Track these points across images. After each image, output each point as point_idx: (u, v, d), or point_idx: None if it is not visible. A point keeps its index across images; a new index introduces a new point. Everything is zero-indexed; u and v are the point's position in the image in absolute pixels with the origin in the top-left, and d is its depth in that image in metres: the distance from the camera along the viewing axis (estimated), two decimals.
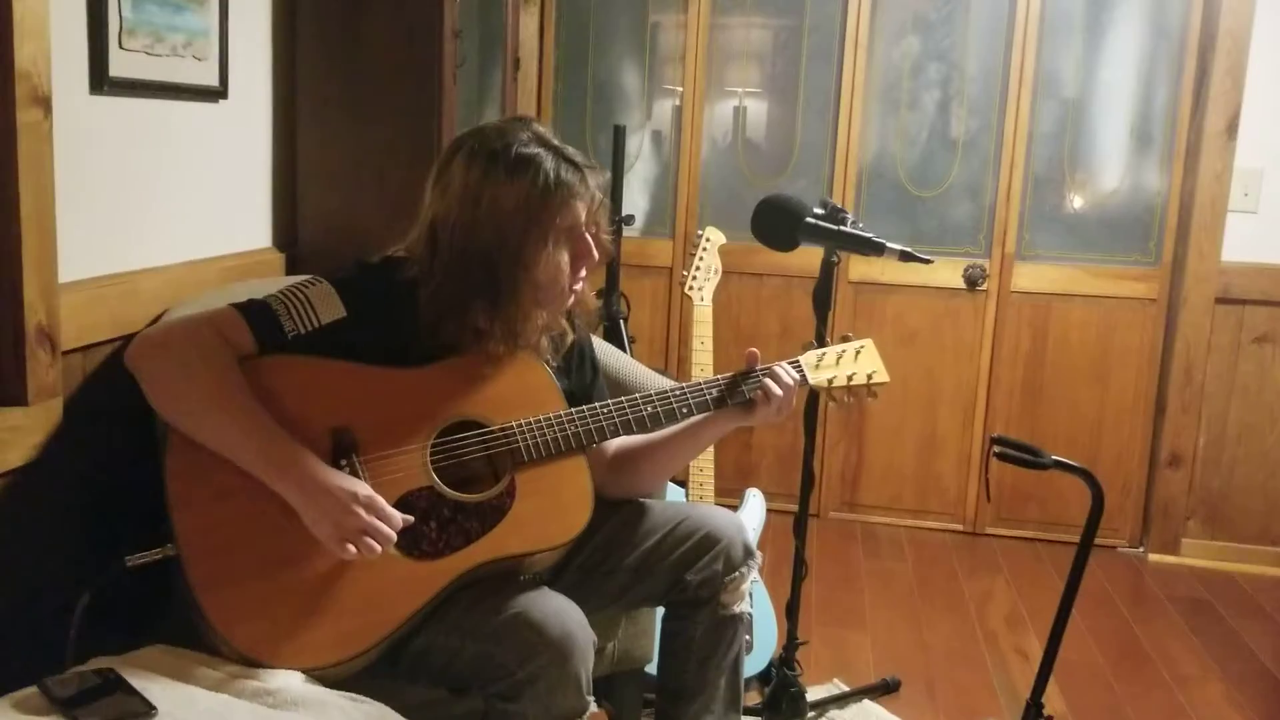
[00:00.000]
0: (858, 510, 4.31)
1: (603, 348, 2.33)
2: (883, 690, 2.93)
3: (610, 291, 3.50)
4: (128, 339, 1.84)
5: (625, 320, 3.54)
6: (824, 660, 3.08)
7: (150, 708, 1.49)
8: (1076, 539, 2.21)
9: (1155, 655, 3.26)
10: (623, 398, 1.96)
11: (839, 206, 2.30)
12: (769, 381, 2.00)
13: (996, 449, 2.16)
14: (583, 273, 1.93)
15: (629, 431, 1.96)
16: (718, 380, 2.02)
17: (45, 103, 1.81)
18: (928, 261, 2.24)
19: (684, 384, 2.03)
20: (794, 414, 2.13)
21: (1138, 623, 3.49)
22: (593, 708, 1.80)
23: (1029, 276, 4.10)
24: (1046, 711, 2.24)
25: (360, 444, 1.78)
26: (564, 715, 1.74)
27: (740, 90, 4.23)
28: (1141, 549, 4.13)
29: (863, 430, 4.26)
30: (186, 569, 1.67)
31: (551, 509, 1.87)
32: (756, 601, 2.80)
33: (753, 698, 2.72)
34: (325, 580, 1.72)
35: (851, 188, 4.14)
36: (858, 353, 2.11)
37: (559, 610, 1.76)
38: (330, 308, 1.80)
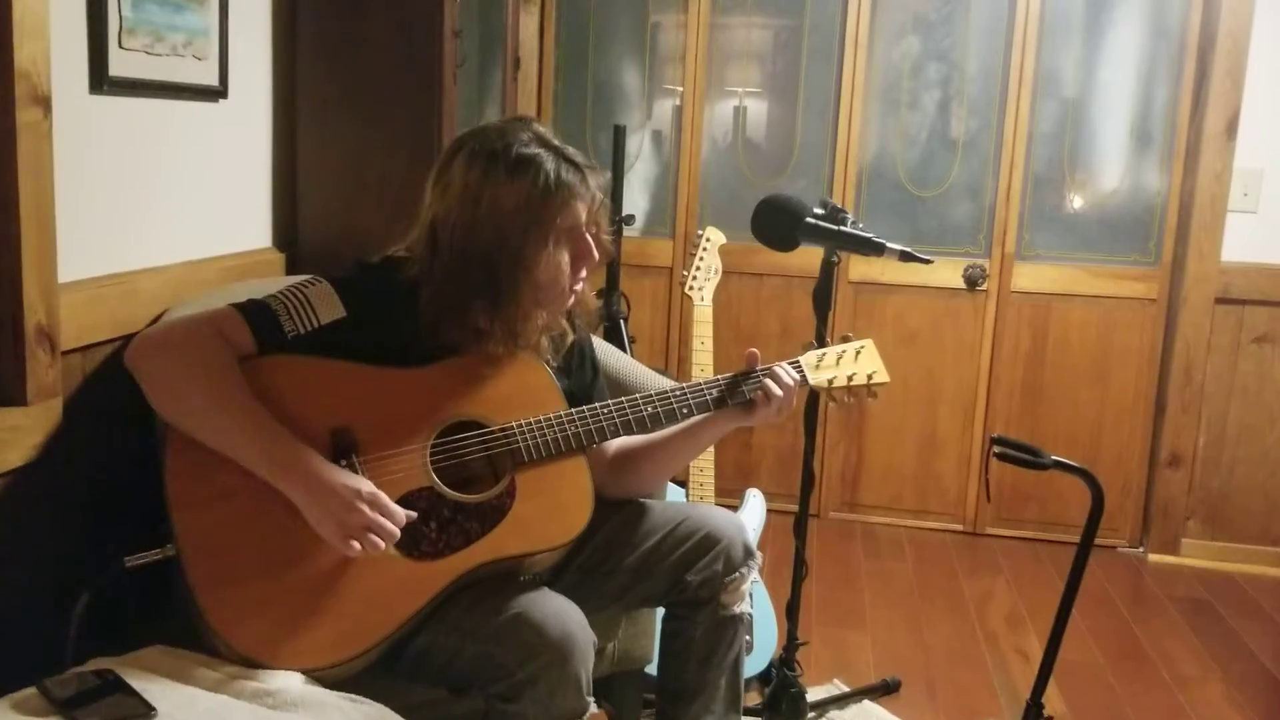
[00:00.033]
0: (858, 510, 4.31)
1: (603, 348, 2.32)
2: (883, 691, 2.93)
3: (610, 291, 3.50)
4: (127, 339, 1.84)
5: (625, 320, 3.54)
6: (824, 661, 3.08)
7: (149, 708, 1.49)
8: (1076, 539, 2.21)
9: (1155, 655, 3.26)
10: (623, 398, 1.96)
11: (839, 206, 2.29)
12: (769, 382, 2.00)
13: (996, 449, 2.16)
14: (583, 273, 1.92)
15: (629, 432, 1.96)
16: (718, 380, 2.02)
17: (45, 102, 1.81)
18: (928, 261, 2.24)
19: (684, 384, 2.03)
20: (794, 414, 2.13)
21: (1138, 623, 3.49)
22: (593, 708, 1.80)
23: (1029, 276, 4.10)
24: (1047, 712, 2.24)
25: (360, 444, 1.78)
26: (564, 716, 1.74)
27: (740, 90, 4.23)
28: (1141, 549, 4.13)
29: (863, 430, 4.26)
30: (186, 569, 1.67)
31: (552, 509, 1.87)
32: (756, 602, 2.80)
33: (753, 698, 2.71)
34: (325, 581, 1.71)
35: (851, 188, 4.14)
36: (858, 353, 2.11)
37: (559, 611, 1.76)
38: (330, 308, 1.80)
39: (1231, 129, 3.82)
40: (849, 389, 2.10)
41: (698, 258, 2.88)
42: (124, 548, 1.70)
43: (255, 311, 1.78)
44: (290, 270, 2.73)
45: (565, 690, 1.72)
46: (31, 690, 1.52)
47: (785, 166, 4.21)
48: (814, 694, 2.78)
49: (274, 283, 2.01)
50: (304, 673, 1.66)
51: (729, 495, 3.03)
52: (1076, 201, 4.09)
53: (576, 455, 1.91)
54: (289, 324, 1.77)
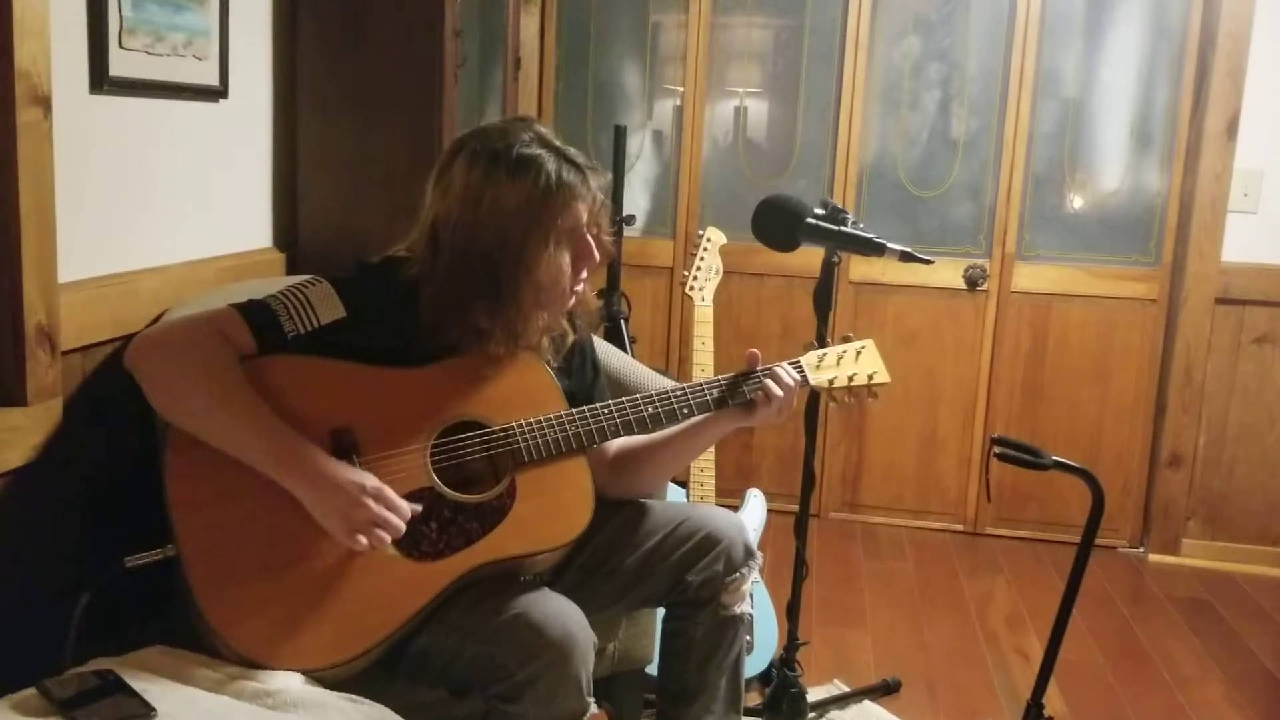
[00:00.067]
0: (858, 510, 4.31)
1: (603, 348, 2.32)
2: (883, 691, 2.93)
3: (611, 291, 3.50)
4: (127, 339, 1.84)
5: (626, 320, 3.54)
6: (824, 661, 3.08)
7: (149, 709, 1.49)
8: (1077, 539, 2.21)
9: (1155, 655, 3.26)
10: (623, 398, 1.96)
11: (839, 207, 2.29)
12: (770, 382, 2.00)
13: (997, 449, 2.16)
14: (584, 274, 1.92)
15: (630, 432, 1.96)
16: (718, 381, 2.02)
17: (45, 102, 1.81)
18: (928, 262, 2.24)
19: (685, 384, 2.02)
20: (794, 414, 2.13)
21: (1138, 623, 3.49)
22: (593, 709, 1.80)
23: (1029, 277, 4.10)
24: (1047, 712, 2.24)
25: (360, 444, 1.78)
26: (565, 716, 1.74)
27: (741, 90, 4.23)
28: (1142, 549, 4.13)
29: (863, 430, 4.26)
30: (186, 570, 1.67)
31: (552, 510, 1.87)
32: (757, 602, 2.80)
33: (753, 698, 2.71)
34: (325, 581, 1.71)
35: (852, 188, 4.14)
36: (858, 353, 2.11)
37: (559, 611, 1.75)
38: (330, 308, 1.80)
39: (1232, 129, 3.82)
40: (850, 389, 2.10)
41: (698, 258, 2.88)
42: (124, 548, 1.70)
43: (255, 312, 1.78)
44: (290, 270, 2.73)
45: (566, 691, 1.72)
46: (31, 690, 1.52)
47: (786, 167, 4.21)
48: (814, 694, 2.78)
49: (274, 283, 2.01)
50: (304, 673, 1.66)
51: (729, 495, 3.03)
52: (1077, 202, 4.09)
53: (577, 455, 1.91)
54: (289, 324, 1.77)
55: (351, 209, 2.71)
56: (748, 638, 2.23)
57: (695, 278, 2.86)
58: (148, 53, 2.15)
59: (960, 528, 4.25)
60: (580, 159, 1.87)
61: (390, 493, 1.73)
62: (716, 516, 2.07)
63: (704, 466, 2.81)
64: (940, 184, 4.12)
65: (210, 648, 1.67)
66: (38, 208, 1.81)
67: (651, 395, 1.97)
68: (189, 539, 1.68)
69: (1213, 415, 3.99)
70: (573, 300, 1.94)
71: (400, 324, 1.83)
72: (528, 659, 1.70)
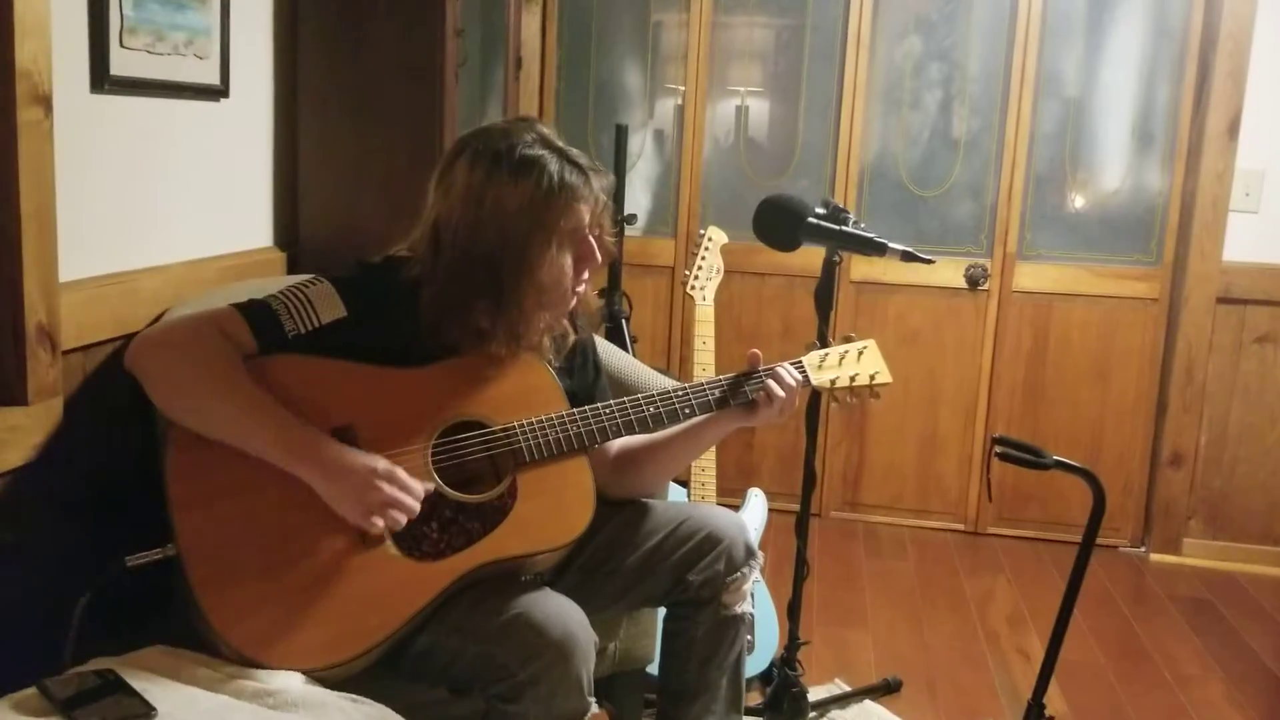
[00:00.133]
0: (859, 510, 4.31)
1: (605, 347, 2.32)
2: (884, 690, 2.93)
3: (612, 291, 3.50)
4: (128, 338, 1.84)
5: (627, 320, 3.54)
6: (825, 660, 3.08)
7: (150, 709, 1.49)
8: (1078, 539, 2.20)
9: (1157, 655, 3.26)
10: (625, 398, 1.96)
11: (841, 206, 2.29)
12: (771, 382, 2.00)
13: (998, 449, 2.16)
14: (585, 275, 1.92)
15: (631, 432, 1.96)
16: (720, 381, 2.01)
17: (46, 101, 1.81)
18: (929, 261, 2.24)
19: (686, 384, 2.02)
20: (796, 414, 2.13)
21: (1139, 622, 3.49)
22: (594, 708, 1.80)
23: (1030, 276, 4.10)
24: (1048, 712, 2.24)
25: (361, 444, 1.77)
26: (565, 716, 1.74)
27: (742, 90, 4.22)
28: (1143, 549, 4.13)
29: (864, 430, 4.26)
30: (187, 569, 1.67)
31: (553, 510, 1.87)
32: (758, 601, 2.79)
33: (754, 698, 2.71)
34: (326, 581, 1.71)
35: (853, 187, 4.14)
36: (860, 353, 2.11)
37: (560, 611, 1.75)
38: (330, 307, 1.80)
39: (1233, 129, 3.82)
40: (851, 389, 2.10)
41: (699, 257, 2.88)
42: (124, 547, 1.70)
43: (255, 311, 1.78)
44: (291, 270, 2.73)
45: (566, 690, 1.72)
46: (32, 690, 1.52)
47: (787, 166, 4.20)
48: (815, 693, 2.78)
49: (275, 282, 2.01)
50: (304, 673, 1.66)
51: (731, 495, 3.02)
52: (1078, 201, 4.09)
53: (578, 455, 1.91)
54: (289, 323, 1.77)
55: (352, 208, 2.71)
56: (749, 637, 2.23)
57: (696, 277, 2.86)
58: (149, 52, 2.15)
59: (961, 527, 4.25)
60: (583, 160, 1.87)
61: (402, 473, 1.73)
62: (717, 516, 2.07)
63: (705, 466, 2.81)
64: (941, 183, 4.11)
65: (211, 647, 1.66)
66: (38, 207, 1.81)
67: (653, 395, 1.97)
68: (189, 539, 1.68)
69: (1214, 415, 3.99)
70: (574, 301, 1.94)
71: (401, 324, 1.83)
72: (529, 659, 1.70)
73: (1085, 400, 4.12)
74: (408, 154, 2.65)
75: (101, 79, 2.02)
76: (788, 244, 2.29)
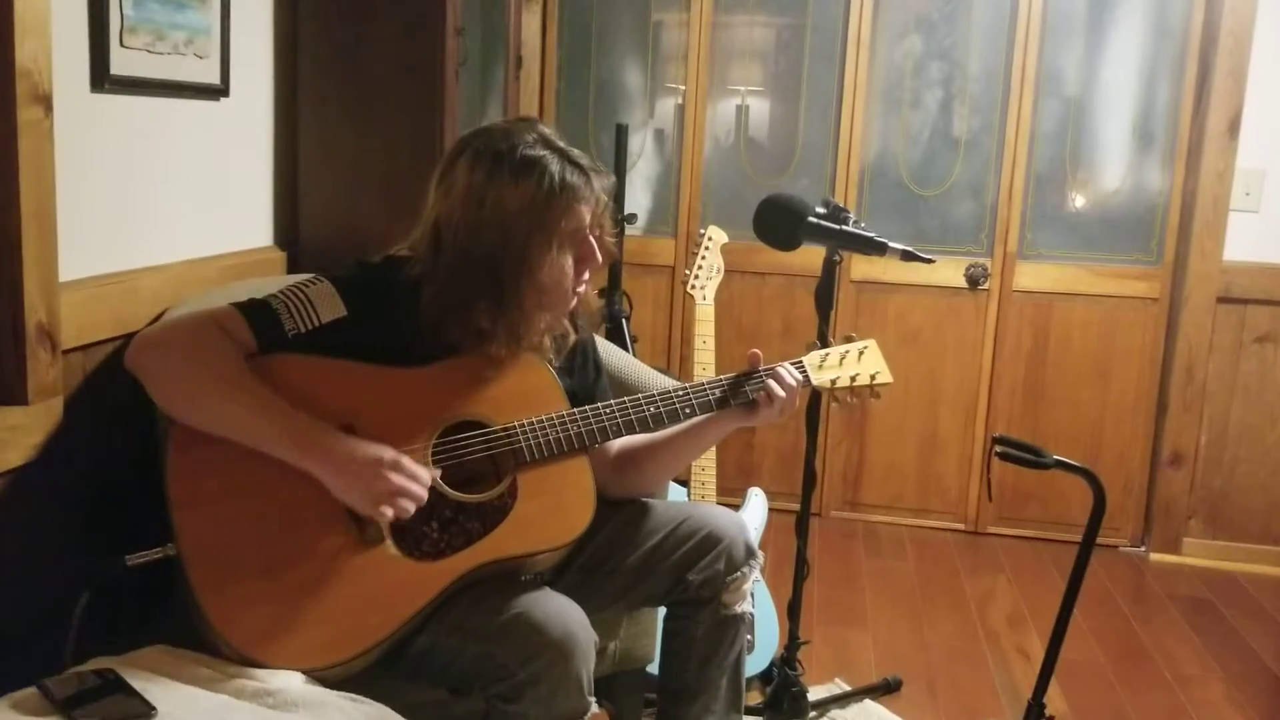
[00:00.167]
0: (859, 509, 4.31)
1: (605, 347, 2.32)
2: (884, 690, 2.93)
3: (612, 290, 3.50)
4: (128, 338, 1.84)
5: (627, 319, 3.54)
6: (825, 660, 3.08)
7: (150, 708, 1.49)
8: (1078, 538, 2.20)
9: (1157, 655, 3.26)
10: (625, 398, 1.96)
11: (841, 206, 2.29)
12: (772, 382, 2.00)
13: (998, 448, 2.16)
14: (586, 275, 1.92)
15: (631, 431, 1.96)
16: (720, 380, 2.01)
17: (46, 101, 1.81)
18: (929, 261, 2.24)
19: (687, 384, 2.02)
20: (796, 413, 2.13)
21: (1139, 622, 3.49)
22: (594, 708, 1.80)
23: (1031, 276, 4.10)
24: (1048, 711, 2.24)
25: None
26: (565, 715, 1.74)
27: (743, 89, 4.22)
28: (1143, 548, 4.13)
29: (864, 429, 4.26)
30: (187, 569, 1.67)
31: (553, 509, 1.87)
32: (758, 601, 2.79)
33: (754, 697, 2.71)
34: (326, 581, 1.71)
35: (854, 187, 4.14)
36: (861, 353, 2.11)
37: (560, 610, 1.75)
38: (330, 306, 1.80)
39: (1234, 128, 3.82)
40: (852, 389, 2.10)
41: (700, 256, 2.87)
42: (124, 546, 1.69)
43: (255, 310, 1.78)
44: (291, 269, 2.73)
45: (566, 690, 1.72)
46: (31, 690, 1.51)
47: (787, 165, 4.20)
48: (815, 693, 2.78)
49: (275, 282, 2.01)
50: (304, 672, 1.66)
51: (731, 494, 3.02)
52: (1078, 201, 4.09)
53: (579, 455, 1.91)
54: (289, 323, 1.77)
55: (352, 208, 2.71)
56: (749, 637, 2.23)
57: (696, 276, 2.86)
58: (149, 51, 2.15)
59: (961, 527, 4.25)
60: (584, 160, 1.87)
61: (408, 461, 1.73)
62: (718, 515, 2.07)
63: (705, 465, 2.81)
64: (942, 183, 4.11)
65: (211, 647, 1.66)
66: (38, 206, 1.81)
67: (653, 395, 1.97)
68: (189, 538, 1.68)
69: (1214, 414, 3.99)
70: (574, 301, 1.93)
71: (401, 323, 1.83)
72: (529, 658, 1.70)
73: (1085, 400, 4.12)
74: (408, 153, 2.65)
75: (101, 78, 2.02)
76: (788, 243, 2.29)
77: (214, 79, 2.40)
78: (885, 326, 4.14)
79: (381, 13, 2.63)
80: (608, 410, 1.93)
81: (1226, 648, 3.33)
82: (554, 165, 1.81)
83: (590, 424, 1.91)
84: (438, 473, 1.78)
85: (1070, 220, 4.09)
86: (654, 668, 2.21)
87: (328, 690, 1.64)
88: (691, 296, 2.86)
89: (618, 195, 3.26)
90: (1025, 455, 2.14)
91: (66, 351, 1.92)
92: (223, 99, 2.45)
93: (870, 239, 2.22)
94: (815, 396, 2.31)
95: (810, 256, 2.47)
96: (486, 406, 1.87)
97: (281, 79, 2.70)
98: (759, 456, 4.29)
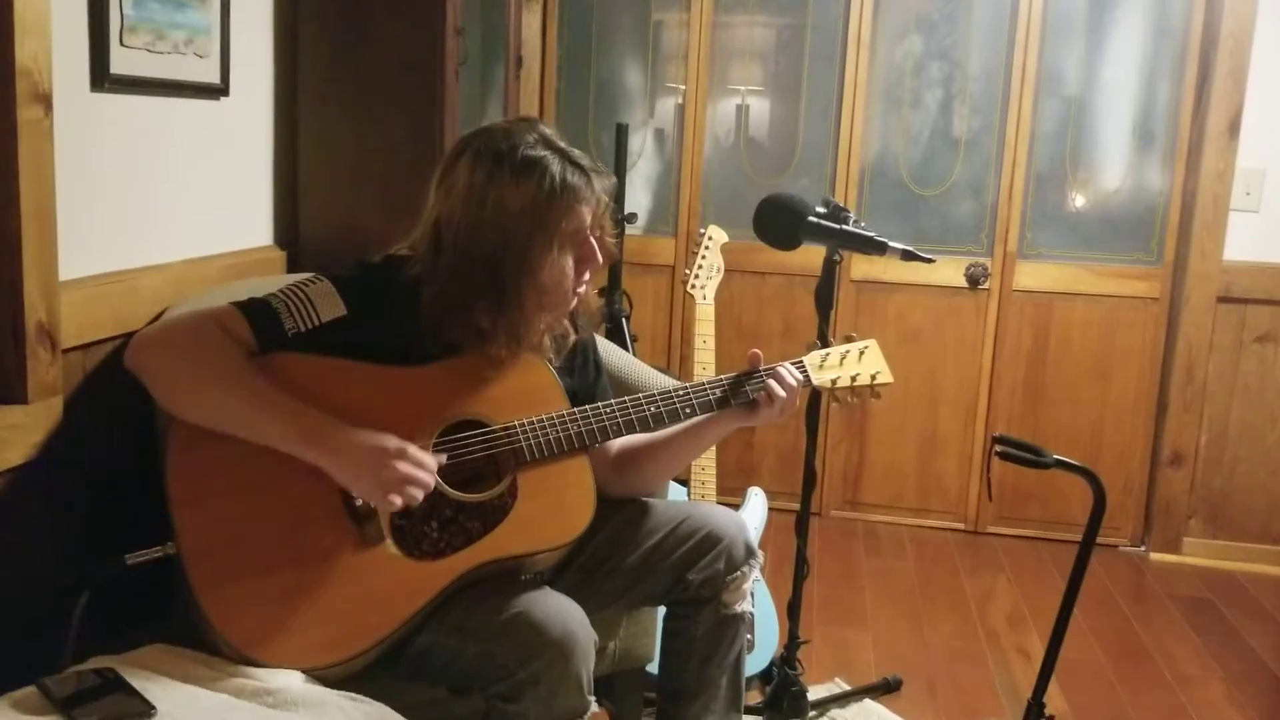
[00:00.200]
0: (859, 509, 4.31)
1: (605, 347, 2.32)
2: (884, 689, 2.93)
3: (612, 290, 3.50)
4: (128, 337, 1.84)
5: (627, 319, 3.54)
6: (825, 659, 3.08)
7: (149, 707, 1.49)
8: (1078, 538, 2.20)
9: (1157, 654, 3.25)
10: (625, 397, 1.96)
11: (841, 205, 2.30)
12: (772, 383, 2.00)
13: (998, 448, 2.16)
14: (586, 276, 1.92)
15: (632, 431, 1.96)
16: (721, 380, 2.01)
17: (46, 100, 1.80)
18: (929, 260, 2.24)
19: (687, 384, 2.02)
20: (796, 413, 2.13)
21: (1139, 622, 3.49)
22: (594, 707, 1.80)
23: (1031, 275, 4.09)
24: (1048, 711, 2.24)
25: None
26: (565, 715, 1.74)
27: (743, 89, 4.22)
28: (1143, 548, 4.13)
29: (864, 429, 4.26)
30: (187, 568, 1.67)
31: (554, 509, 1.87)
32: (758, 600, 2.79)
33: (754, 697, 2.71)
34: (326, 580, 1.71)
35: (854, 186, 4.14)
36: (861, 353, 2.11)
37: (560, 610, 1.75)
38: (330, 306, 1.80)
39: (1234, 128, 3.81)
40: (853, 389, 2.10)
41: (700, 256, 2.87)
42: (124, 545, 1.70)
43: (255, 309, 1.77)
44: (291, 268, 2.73)
45: (566, 689, 1.72)
46: (31, 689, 1.52)
47: (788, 165, 4.20)
48: (815, 692, 2.78)
49: (275, 281, 2.01)
50: (304, 671, 1.66)
51: (731, 494, 3.02)
52: (1079, 200, 4.09)
53: (579, 455, 1.91)
54: (289, 322, 1.77)
55: (352, 207, 2.71)
56: (748, 636, 2.23)
57: (697, 276, 2.86)
58: (149, 50, 2.15)
59: (961, 526, 4.25)
60: (585, 161, 1.86)
61: (414, 449, 1.73)
62: (717, 515, 2.07)
63: (705, 465, 2.81)
64: (942, 182, 4.11)
65: (210, 646, 1.67)
66: (38, 206, 1.81)
67: (654, 394, 1.97)
68: (189, 537, 1.68)
69: (1214, 414, 3.99)
70: (575, 301, 1.93)
71: (401, 323, 1.83)
72: (529, 658, 1.70)
73: (1085, 399, 4.12)
74: (408, 153, 2.65)
75: (101, 78, 2.02)
76: (788, 243, 2.29)
77: (214, 78, 2.40)
78: (885, 326, 4.14)
79: (381, 12, 2.63)
80: (608, 410, 1.93)
81: (1226, 648, 3.33)
82: (555, 166, 1.81)
83: (590, 424, 1.91)
84: (443, 459, 1.78)
85: (1070, 220, 4.09)
86: (654, 667, 2.21)
87: (327, 689, 1.64)
88: (691, 296, 2.86)
89: (618, 195, 3.27)
90: (1025, 455, 2.14)
91: (66, 351, 1.92)
92: (223, 98, 2.45)
93: (870, 238, 2.22)
94: (815, 396, 2.31)
95: (810, 256, 2.47)
96: (487, 406, 1.87)
97: (281, 79, 2.70)
98: (759, 456, 4.30)
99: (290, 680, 1.62)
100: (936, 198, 4.12)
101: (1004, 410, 4.17)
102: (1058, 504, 4.15)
